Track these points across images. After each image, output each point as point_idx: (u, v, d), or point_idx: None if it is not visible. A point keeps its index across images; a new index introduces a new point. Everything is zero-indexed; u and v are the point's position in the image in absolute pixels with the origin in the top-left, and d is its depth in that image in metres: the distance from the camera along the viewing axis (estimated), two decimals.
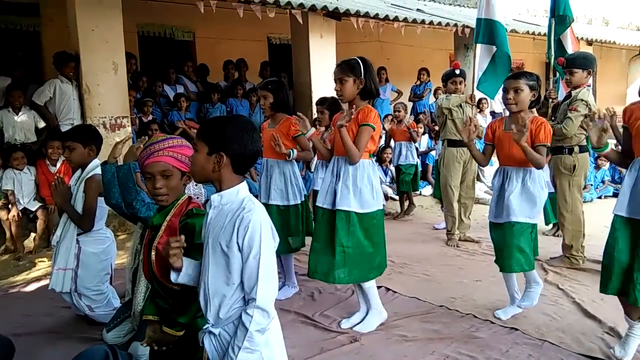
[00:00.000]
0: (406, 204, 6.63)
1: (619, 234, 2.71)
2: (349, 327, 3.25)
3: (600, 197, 7.60)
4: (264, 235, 1.62)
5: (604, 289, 2.78)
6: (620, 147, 3.12)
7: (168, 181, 2.17)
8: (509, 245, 3.19)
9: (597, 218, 5.11)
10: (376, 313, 3.28)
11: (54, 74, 5.57)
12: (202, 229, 1.79)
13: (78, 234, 3.25)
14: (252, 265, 1.61)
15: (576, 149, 4.24)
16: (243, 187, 1.72)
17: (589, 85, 4.30)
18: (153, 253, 2.13)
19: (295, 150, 3.65)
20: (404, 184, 6.41)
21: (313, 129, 3.32)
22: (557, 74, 5.09)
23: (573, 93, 4.21)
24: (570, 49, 5.09)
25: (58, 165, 5.23)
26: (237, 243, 1.62)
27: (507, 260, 3.21)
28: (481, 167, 7.39)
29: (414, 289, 3.92)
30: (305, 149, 3.75)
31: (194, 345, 2.03)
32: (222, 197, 1.70)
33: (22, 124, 5.43)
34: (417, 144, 6.85)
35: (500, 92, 5.27)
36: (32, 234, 5.16)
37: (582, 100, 4.12)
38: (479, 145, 4.18)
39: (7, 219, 4.92)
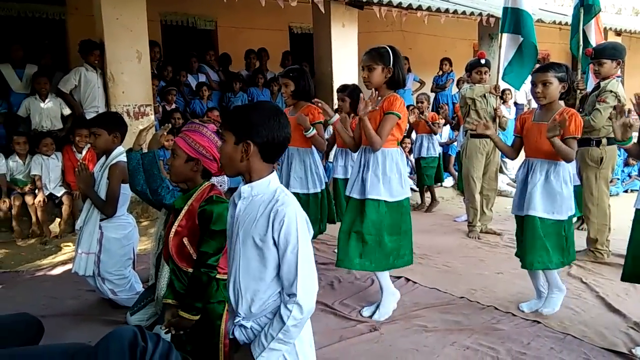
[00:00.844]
0: (427, 199, 6.57)
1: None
2: (369, 314, 3.26)
3: (626, 191, 7.45)
4: (300, 228, 1.56)
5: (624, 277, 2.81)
6: None
7: (173, 160, 2.24)
8: (530, 240, 3.13)
9: (623, 212, 5.01)
10: (389, 294, 3.27)
11: (79, 62, 5.65)
12: (229, 219, 1.74)
13: (101, 220, 3.31)
14: (290, 259, 1.55)
15: (604, 141, 4.15)
16: (274, 177, 1.66)
17: (618, 76, 4.20)
18: (171, 234, 2.17)
19: (315, 129, 3.64)
20: (427, 178, 6.33)
21: (337, 116, 3.33)
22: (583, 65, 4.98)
23: (602, 84, 4.11)
24: (593, 40, 4.97)
25: (84, 152, 5.32)
26: (273, 237, 1.56)
27: (528, 257, 3.15)
28: (504, 159, 7.30)
29: (434, 280, 3.90)
30: (320, 137, 3.74)
31: (210, 330, 2.07)
32: (253, 189, 1.63)
33: (49, 111, 5.53)
34: (438, 136, 6.76)
35: (527, 82, 5.20)
36: (58, 219, 5.27)
37: (611, 91, 4.02)
38: (502, 137, 4.13)
39: (34, 203, 5.03)
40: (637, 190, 7.34)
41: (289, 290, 1.57)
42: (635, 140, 2.75)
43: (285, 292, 1.59)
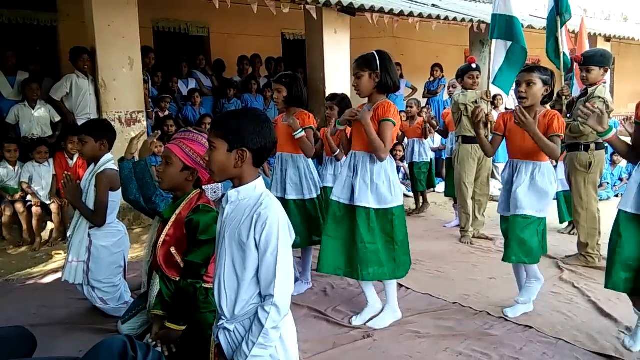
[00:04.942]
0: (420, 201, 6.59)
1: (623, 229, 2.75)
2: (360, 324, 3.24)
3: (617, 195, 7.49)
4: (281, 232, 1.61)
5: (607, 284, 2.83)
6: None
7: (167, 167, 2.20)
8: (510, 235, 3.20)
9: (614, 216, 5.05)
10: (391, 311, 3.27)
11: (71, 69, 5.63)
12: (217, 224, 1.78)
13: (90, 227, 3.28)
14: (269, 261, 1.60)
15: (592, 146, 4.20)
16: (259, 182, 1.71)
17: (604, 82, 4.26)
18: (159, 243, 2.17)
19: (303, 131, 3.60)
20: (419, 183, 6.34)
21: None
22: (572, 71, 5.05)
23: (590, 90, 4.16)
24: (565, 47, 5.09)
25: (75, 159, 5.29)
26: (254, 239, 1.61)
27: (506, 250, 3.23)
28: (496, 165, 7.33)
29: (427, 285, 3.91)
30: (309, 142, 3.71)
31: (201, 340, 2.06)
32: (240, 193, 1.69)
33: (39, 118, 5.51)
34: (430, 140, 6.78)
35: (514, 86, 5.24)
36: (50, 226, 5.22)
37: (599, 97, 4.08)
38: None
39: (24, 211, 4.99)
40: None
41: (266, 291, 1.62)
42: (615, 132, 2.78)
43: (262, 293, 1.64)
